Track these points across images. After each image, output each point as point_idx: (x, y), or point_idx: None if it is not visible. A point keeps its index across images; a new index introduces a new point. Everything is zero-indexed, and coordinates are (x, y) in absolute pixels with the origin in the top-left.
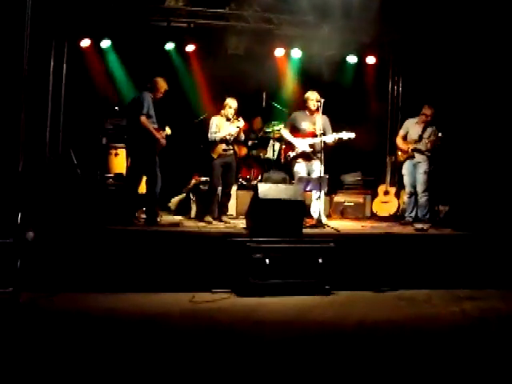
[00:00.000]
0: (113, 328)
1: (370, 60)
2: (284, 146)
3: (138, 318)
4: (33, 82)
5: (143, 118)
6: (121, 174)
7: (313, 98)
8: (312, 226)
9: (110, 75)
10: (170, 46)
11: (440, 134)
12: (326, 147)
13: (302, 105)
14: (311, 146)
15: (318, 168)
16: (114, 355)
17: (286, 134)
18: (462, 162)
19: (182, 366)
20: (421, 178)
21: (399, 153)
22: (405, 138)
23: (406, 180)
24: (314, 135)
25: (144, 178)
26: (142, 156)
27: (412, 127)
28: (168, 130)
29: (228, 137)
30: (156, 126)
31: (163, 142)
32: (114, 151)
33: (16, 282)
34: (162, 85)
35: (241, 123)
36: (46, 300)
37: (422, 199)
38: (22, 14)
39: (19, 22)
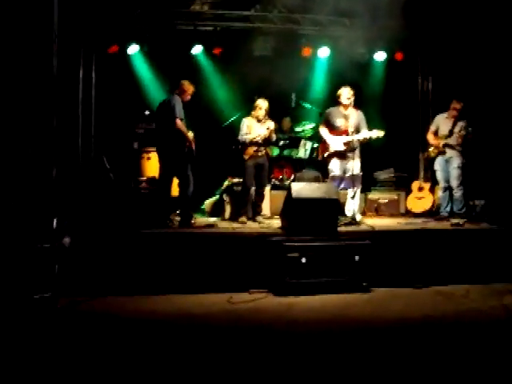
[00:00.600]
0: (152, 330)
1: (399, 57)
2: (319, 144)
3: (177, 319)
4: (63, 90)
5: (179, 122)
6: (153, 178)
7: (345, 93)
8: (347, 224)
9: (138, 80)
10: (197, 49)
11: (470, 129)
12: (360, 144)
13: (336, 101)
14: (345, 144)
15: (352, 166)
16: (154, 356)
17: (324, 131)
18: (496, 155)
19: (223, 365)
20: (454, 172)
21: (431, 149)
22: (436, 133)
23: (439, 175)
24: (348, 133)
25: (176, 181)
26: (174, 159)
27: (442, 122)
28: (191, 134)
29: (258, 138)
30: (190, 132)
31: (194, 144)
32: (146, 155)
33: (54, 287)
34: (189, 87)
35: (271, 124)
36: (85, 304)
37: (457, 194)
38: (49, 22)
39: (47, 30)
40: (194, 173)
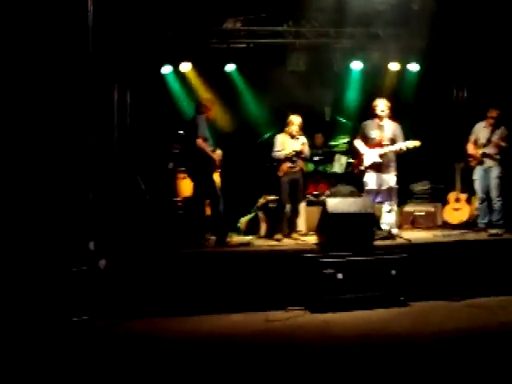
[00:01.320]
0: (189, 350)
1: (432, 67)
2: (355, 158)
3: (215, 340)
4: (99, 113)
5: (199, 141)
6: (189, 198)
7: (381, 105)
8: (383, 238)
9: (172, 100)
10: (230, 67)
11: (505, 133)
12: (397, 155)
13: (371, 113)
14: (381, 156)
15: (388, 179)
16: (191, 377)
17: (359, 144)
18: None
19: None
20: (493, 182)
21: (470, 159)
22: (475, 143)
23: (478, 186)
24: (383, 145)
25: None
26: (201, 178)
27: (481, 131)
28: (219, 151)
29: (292, 154)
30: (212, 147)
31: (219, 162)
32: (181, 175)
33: (91, 310)
34: (210, 104)
35: (304, 139)
36: (121, 326)
37: (496, 205)
38: (85, 45)
39: (84, 53)
40: (227, 191)
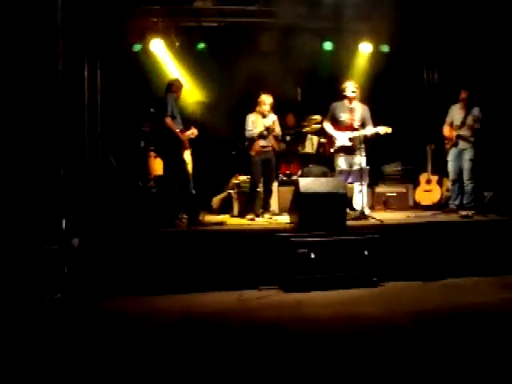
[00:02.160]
0: (162, 329)
1: (404, 49)
2: (325, 140)
3: (187, 318)
4: (69, 90)
5: (168, 120)
6: (161, 176)
7: (350, 87)
8: (355, 218)
9: (143, 78)
10: (200, 45)
11: (480, 115)
12: (366, 138)
13: (341, 95)
14: (351, 139)
15: (359, 161)
16: (162, 354)
17: (328, 127)
18: (504, 147)
19: (232, 363)
20: (466, 165)
21: (446, 141)
22: (452, 125)
23: (450, 167)
24: (353, 128)
25: None
26: (169, 157)
27: (456, 113)
28: (194, 131)
29: (265, 132)
30: (181, 127)
31: (187, 143)
32: (152, 154)
33: (64, 289)
34: (179, 83)
35: (275, 117)
36: (94, 305)
37: (468, 187)
38: (53, 23)
39: (52, 32)
40: (200, 170)
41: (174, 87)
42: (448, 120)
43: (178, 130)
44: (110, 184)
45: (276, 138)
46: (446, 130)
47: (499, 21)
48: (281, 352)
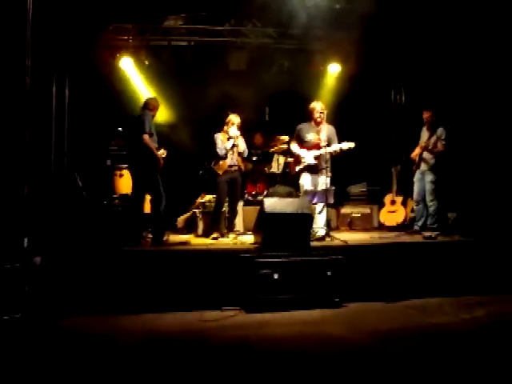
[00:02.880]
0: (122, 349)
1: (372, 71)
2: (292, 159)
3: (149, 338)
4: (36, 107)
5: (146, 137)
6: (126, 195)
7: (317, 108)
8: (319, 239)
9: (112, 96)
10: (169, 64)
11: (442, 135)
12: (332, 157)
13: (308, 116)
14: (316, 157)
15: (324, 181)
16: (123, 376)
17: (295, 147)
18: (468, 169)
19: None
20: (428, 186)
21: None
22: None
23: (415, 188)
24: (319, 147)
25: (148, 198)
26: (145, 175)
27: (423, 135)
28: (164, 151)
29: (236, 142)
30: (157, 145)
31: (162, 161)
32: (118, 172)
33: (24, 307)
34: (156, 103)
35: (238, 132)
36: (56, 324)
37: (431, 208)
38: (23, 38)
39: (21, 46)
40: (166, 189)
41: (150, 105)
42: (420, 142)
43: (155, 148)
44: (75, 202)
45: (240, 154)
46: (415, 152)
47: (464, 42)
48: (243, 372)
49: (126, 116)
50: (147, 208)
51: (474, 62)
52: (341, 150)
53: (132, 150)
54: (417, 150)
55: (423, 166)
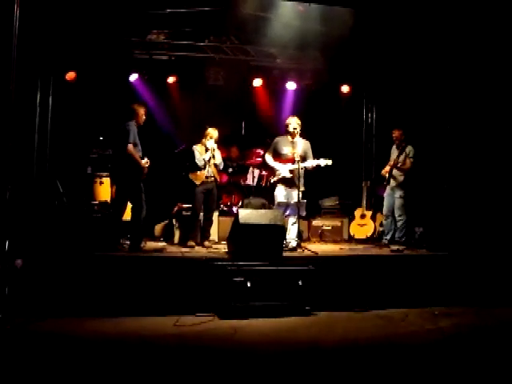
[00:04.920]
0: (98, 351)
1: (345, 89)
2: (266, 172)
3: (123, 341)
4: (20, 114)
5: (130, 147)
6: (105, 202)
7: (293, 123)
8: (291, 250)
9: (94, 106)
10: (153, 77)
11: (410, 153)
12: (306, 171)
13: (284, 130)
14: (291, 171)
15: (296, 193)
16: (99, 378)
17: (269, 159)
18: (436, 185)
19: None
20: (397, 202)
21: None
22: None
23: (384, 203)
24: (294, 161)
25: (129, 206)
26: (128, 184)
27: (393, 152)
28: (147, 160)
29: (213, 152)
30: (141, 154)
31: (146, 170)
32: (98, 179)
33: (4, 309)
34: (141, 110)
35: (215, 145)
36: (35, 325)
37: (399, 223)
38: (8, 46)
39: (6, 55)
40: (145, 197)
41: (135, 113)
42: (390, 159)
43: (139, 157)
44: (56, 208)
45: (216, 166)
46: (384, 170)
47: (436, 60)
48: (211, 376)
49: (109, 125)
50: (126, 215)
51: (441, 80)
52: (318, 166)
53: (116, 159)
54: (387, 168)
55: (392, 182)
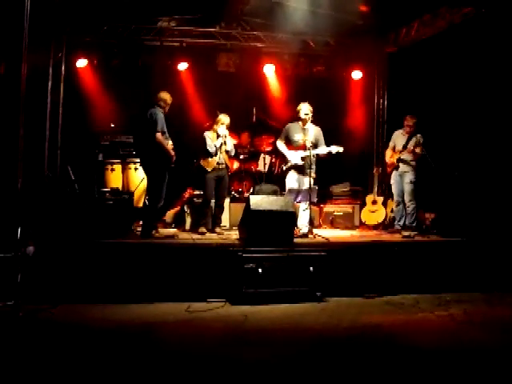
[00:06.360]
0: (112, 338)
1: (356, 75)
2: (277, 159)
3: (136, 328)
4: (31, 102)
5: (159, 135)
6: (117, 189)
7: (304, 109)
8: (302, 236)
9: (105, 93)
10: (163, 63)
11: (421, 140)
12: (317, 158)
13: (296, 116)
14: (303, 158)
15: (308, 180)
16: (111, 365)
17: (281, 146)
18: (446, 171)
19: (179, 374)
20: (407, 187)
21: (388, 165)
22: (394, 149)
23: (394, 189)
24: (306, 148)
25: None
26: (155, 171)
27: (398, 138)
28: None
29: (224, 139)
30: (170, 141)
31: (174, 158)
32: (109, 167)
33: (17, 296)
34: (168, 97)
35: (227, 131)
36: (46, 312)
37: (409, 208)
38: (20, 33)
39: (18, 41)
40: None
41: (162, 101)
42: (391, 145)
43: (168, 146)
44: (68, 194)
45: (227, 152)
46: (388, 155)
47: (448, 52)
48: (222, 361)
49: (119, 113)
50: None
51: (455, 64)
52: (329, 153)
53: (144, 147)
54: (390, 153)
55: (402, 168)
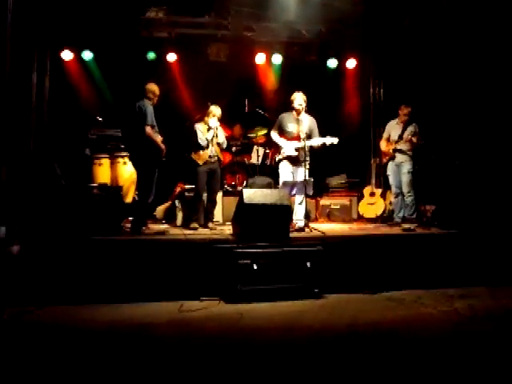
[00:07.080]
0: (102, 340)
1: (351, 64)
2: (271, 150)
3: (127, 328)
4: (16, 95)
5: (148, 129)
6: (105, 184)
7: (298, 98)
8: (298, 230)
9: (92, 86)
10: (151, 55)
11: (416, 134)
12: (312, 149)
13: (289, 107)
14: (297, 149)
15: (302, 171)
16: (102, 368)
17: (275, 136)
18: (446, 161)
19: (171, 376)
20: (404, 178)
21: (383, 155)
22: (389, 139)
23: (391, 181)
24: (300, 139)
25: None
26: (145, 166)
27: (393, 128)
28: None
29: (216, 131)
30: (159, 135)
31: (164, 152)
32: (97, 161)
33: (0, 297)
34: (156, 89)
35: (218, 123)
36: (32, 314)
37: (408, 199)
38: (3, 25)
39: (1, 33)
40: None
41: (150, 93)
42: (385, 135)
43: (158, 139)
44: (54, 190)
45: (219, 145)
46: (383, 145)
47: (445, 40)
48: (216, 362)
49: (107, 106)
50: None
51: (453, 52)
52: (323, 144)
53: (133, 141)
54: (385, 143)
55: (399, 158)
